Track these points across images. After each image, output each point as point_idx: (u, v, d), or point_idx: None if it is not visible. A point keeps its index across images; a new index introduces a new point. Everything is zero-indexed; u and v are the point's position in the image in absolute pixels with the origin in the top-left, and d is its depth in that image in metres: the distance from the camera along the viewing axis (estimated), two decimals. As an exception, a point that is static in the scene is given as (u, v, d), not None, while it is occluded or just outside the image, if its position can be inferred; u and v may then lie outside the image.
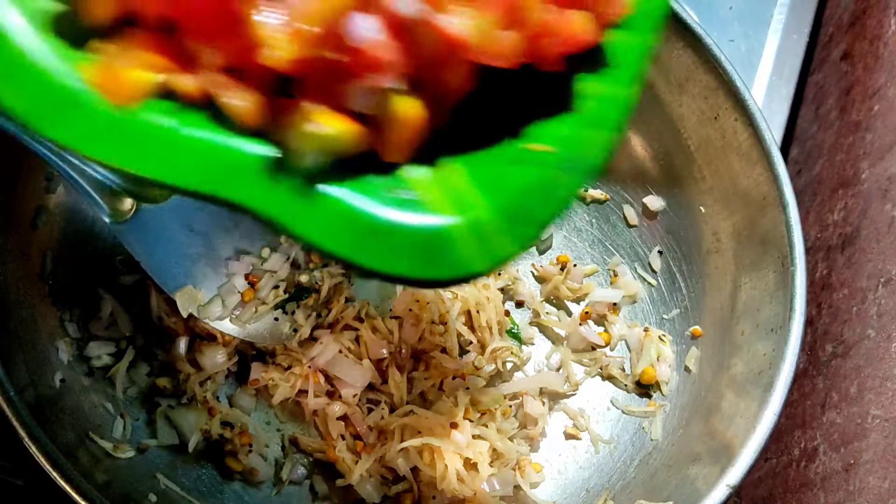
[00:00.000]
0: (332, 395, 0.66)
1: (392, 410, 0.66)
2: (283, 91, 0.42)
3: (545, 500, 0.65)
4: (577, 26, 0.41)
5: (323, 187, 0.42)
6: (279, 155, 0.42)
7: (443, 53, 0.42)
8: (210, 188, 0.41)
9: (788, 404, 0.57)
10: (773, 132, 0.74)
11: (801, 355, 0.58)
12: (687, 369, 0.67)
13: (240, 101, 0.42)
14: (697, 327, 0.68)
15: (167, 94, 0.43)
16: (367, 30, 0.39)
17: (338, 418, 0.66)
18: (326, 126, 0.41)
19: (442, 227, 0.41)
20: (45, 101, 0.42)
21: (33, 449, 0.53)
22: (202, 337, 0.67)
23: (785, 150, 0.83)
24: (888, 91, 0.72)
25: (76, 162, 0.55)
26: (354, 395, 0.66)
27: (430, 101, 0.43)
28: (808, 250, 0.60)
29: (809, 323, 0.71)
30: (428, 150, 0.44)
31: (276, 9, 0.40)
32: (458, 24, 0.40)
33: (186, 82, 0.42)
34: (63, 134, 0.41)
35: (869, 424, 0.62)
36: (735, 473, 0.55)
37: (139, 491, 0.60)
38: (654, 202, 0.71)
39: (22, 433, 0.53)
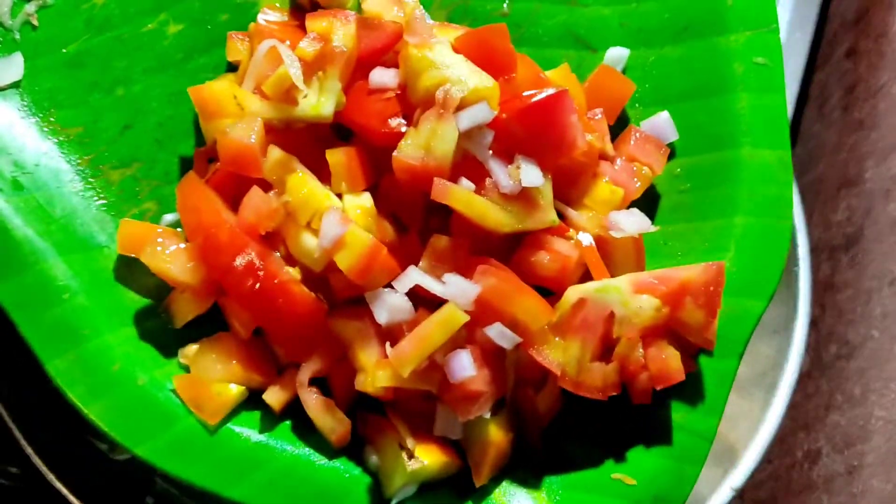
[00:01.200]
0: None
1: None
2: (367, 401, 0.43)
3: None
4: (672, 365, 0.41)
5: None
6: (367, 477, 0.43)
7: (535, 380, 0.43)
8: None
9: (792, 406, 0.57)
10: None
11: (804, 357, 0.57)
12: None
13: (332, 424, 0.42)
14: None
15: (253, 399, 0.43)
16: (463, 368, 0.40)
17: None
18: (422, 460, 0.41)
19: None
20: (132, 415, 0.41)
21: (30, 451, 0.53)
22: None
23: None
24: (892, 89, 0.72)
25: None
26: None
27: (515, 421, 0.43)
28: (811, 250, 0.59)
29: (813, 324, 0.71)
30: (516, 467, 0.44)
31: (375, 339, 0.41)
32: (553, 356, 0.41)
33: (274, 396, 0.43)
34: (147, 449, 0.41)
35: (873, 426, 0.62)
36: (738, 476, 0.55)
37: (137, 493, 0.59)
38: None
39: (18, 435, 0.53)
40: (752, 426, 0.56)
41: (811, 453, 0.68)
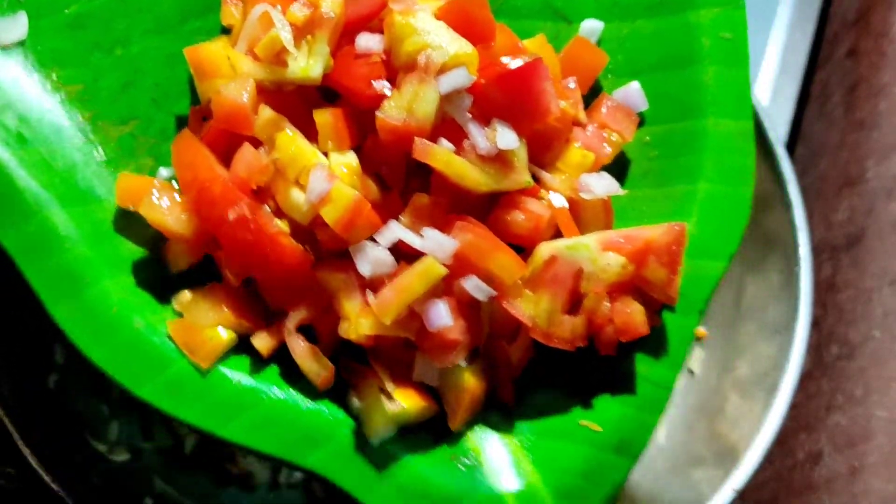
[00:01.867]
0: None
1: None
2: (350, 349, 0.45)
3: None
4: (636, 319, 0.44)
5: (392, 454, 0.44)
6: (350, 419, 0.44)
7: (506, 331, 0.45)
8: (288, 455, 0.43)
9: (793, 406, 0.56)
10: (779, 130, 0.73)
11: (806, 357, 0.57)
12: (691, 371, 0.67)
13: (316, 370, 0.44)
14: (702, 328, 0.67)
15: (243, 344, 0.45)
16: (441, 317, 0.42)
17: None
18: (401, 403, 0.43)
19: (500, 493, 0.44)
20: (130, 357, 0.43)
21: (27, 452, 0.53)
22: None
23: (791, 148, 0.82)
24: (893, 88, 0.72)
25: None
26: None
27: (489, 369, 0.46)
28: (812, 250, 0.59)
29: (815, 324, 0.71)
30: (490, 413, 0.46)
31: (358, 290, 0.43)
32: (525, 308, 0.43)
33: (262, 342, 0.45)
34: (147, 391, 0.42)
35: (874, 426, 0.62)
36: (739, 477, 0.55)
37: (135, 494, 0.59)
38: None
39: (16, 436, 0.53)
40: (753, 427, 0.56)
41: (813, 454, 0.67)
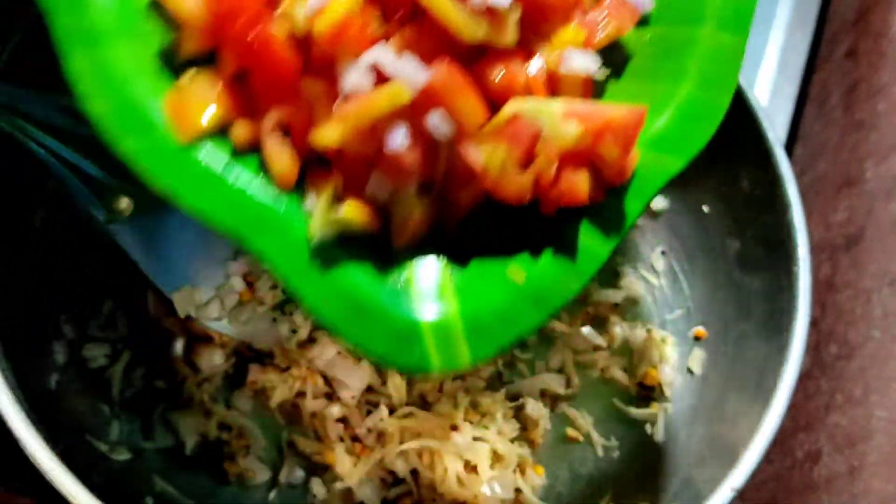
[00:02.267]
0: (331, 396, 0.66)
1: (391, 412, 0.65)
2: (317, 155, 0.46)
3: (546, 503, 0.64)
4: (580, 187, 0.45)
5: (332, 257, 0.46)
6: (302, 217, 0.46)
7: (460, 175, 0.46)
8: (239, 232, 0.45)
9: (792, 406, 0.56)
10: (778, 130, 0.74)
11: (805, 357, 0.57)
12: (690, 371, 0.67)
13: (281, 165, 0.46)
14: (700, 328, 0.67)
15: (223, 139, 0.46)
16: (398, 140, 0.43)
17: (336, 420, 0.65)
18: (346, 211, 0.45)
19: (417, 321, 0.46)
20: (121, 113, 0.45)
21: (29, 451, 0.53)
22: (199, 338, 0.66)
23: (790, 148, 0.83)
24: (892, 89, 0.72)
25: (71, 159, 0.55)
26: (353, 397, 0.65)
27: (439, 206, 0.47)
28: (811, 250, 0.59)
29: (813, 324, 0.71)
30: (432, 241, 0.48)
31: (335, 102, 0.44)
32: (480, 155, 0.45)
33: (240, 131, 0.46)
34: (127, 147, 0.44)
35: (874, 426, 0.62)
36: (739, 476, 0.54)
37: (136, 493, 0.59)
38: (657, 202, 0.71)
39: (18, 436, 0.53)
40: (752, 426, 0.56)
41: (812, 454, 0.67)
